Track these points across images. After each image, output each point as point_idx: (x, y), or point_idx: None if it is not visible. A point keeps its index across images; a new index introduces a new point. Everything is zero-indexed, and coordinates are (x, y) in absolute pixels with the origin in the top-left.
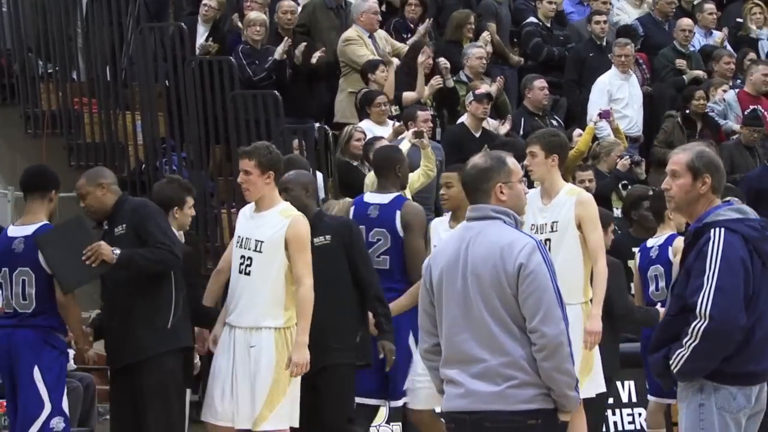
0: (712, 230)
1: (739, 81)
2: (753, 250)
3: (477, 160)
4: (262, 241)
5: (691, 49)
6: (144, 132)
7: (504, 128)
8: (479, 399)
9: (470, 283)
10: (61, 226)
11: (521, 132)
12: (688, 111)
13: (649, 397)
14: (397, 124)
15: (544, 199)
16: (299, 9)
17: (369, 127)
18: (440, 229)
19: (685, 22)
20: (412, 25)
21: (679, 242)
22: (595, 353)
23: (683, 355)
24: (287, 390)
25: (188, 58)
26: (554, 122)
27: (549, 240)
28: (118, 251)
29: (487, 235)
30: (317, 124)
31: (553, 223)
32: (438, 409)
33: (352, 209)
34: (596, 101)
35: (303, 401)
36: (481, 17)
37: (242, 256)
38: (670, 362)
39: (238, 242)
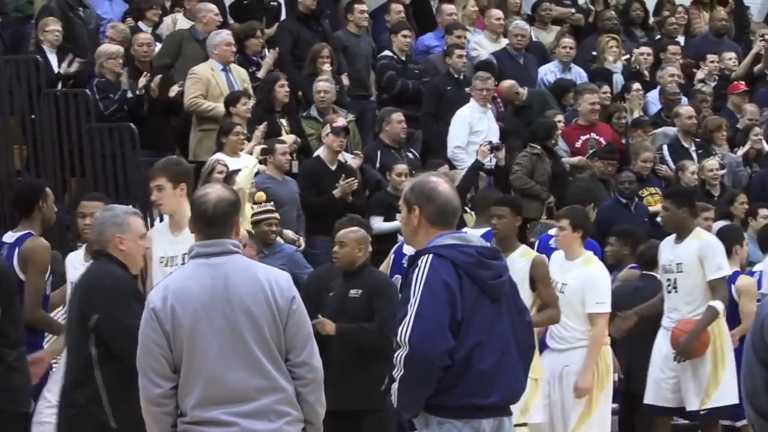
0: (421, 257)
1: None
2: (464, 276)
3: (222, 193)
4: None
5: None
6: None
7: (355, 162)
8: None
9: (239, 319)
10: None
11: (377, 165)
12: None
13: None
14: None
15: None
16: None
17: (222, 158)
18: (75, 262)
19: None
20: (254, 58)
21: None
22: None
23: (395, 387)
24: None
25: (44, 90)
26: (410, 155)
27: None
28: None
29: (244, 269)
30: (174, 157)
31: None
32: None
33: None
34: (456, 133)
35: None
36: (336, 50)
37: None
38: (391, 397)
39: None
